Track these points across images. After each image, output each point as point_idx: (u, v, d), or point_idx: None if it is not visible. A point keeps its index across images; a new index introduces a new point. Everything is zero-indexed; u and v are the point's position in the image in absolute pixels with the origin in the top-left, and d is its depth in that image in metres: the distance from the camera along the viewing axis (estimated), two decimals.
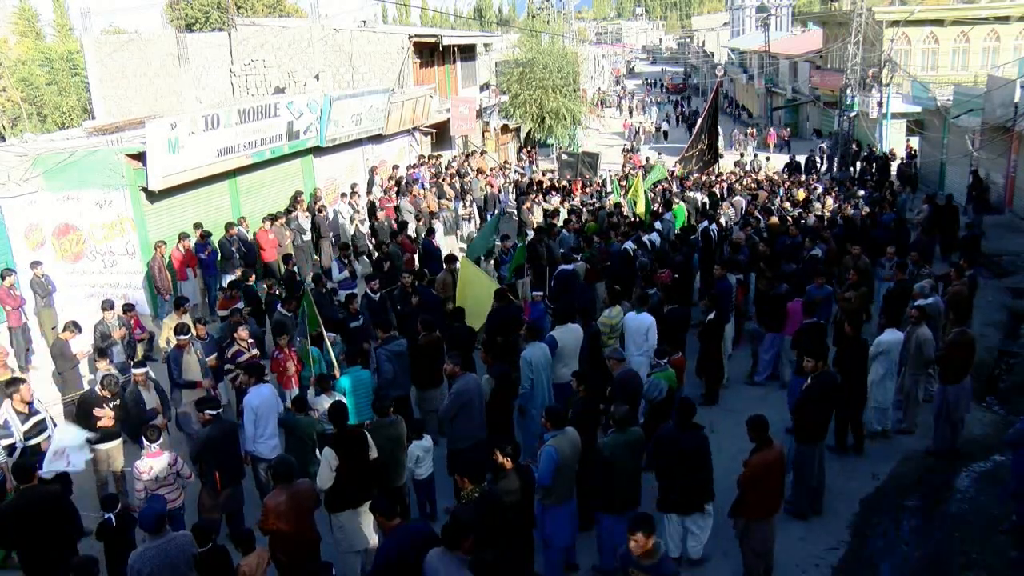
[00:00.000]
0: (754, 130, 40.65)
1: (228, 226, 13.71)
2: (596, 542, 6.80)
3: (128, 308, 10.71)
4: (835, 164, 28.35)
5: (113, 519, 6.28)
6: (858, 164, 27.63)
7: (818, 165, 29.46)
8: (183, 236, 13.20)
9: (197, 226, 13.51)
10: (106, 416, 7.63)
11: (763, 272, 11.11)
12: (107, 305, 10.26)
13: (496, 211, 18.90)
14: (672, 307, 9.59)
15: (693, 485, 6.51)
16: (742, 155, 31.85)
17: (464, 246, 16.01)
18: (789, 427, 8.44)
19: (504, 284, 11.11)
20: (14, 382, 7.38)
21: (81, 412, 7.70)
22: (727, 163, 29.06)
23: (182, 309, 10.12)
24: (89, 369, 9.71)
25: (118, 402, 7.78)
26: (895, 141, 28.88)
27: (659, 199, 18.84)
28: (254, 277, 12.27)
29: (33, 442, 7.22)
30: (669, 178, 22.68)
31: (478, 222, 18.39)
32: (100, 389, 7.71)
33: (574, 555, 6.89)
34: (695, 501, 6.60)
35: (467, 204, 18.48)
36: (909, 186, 22.43)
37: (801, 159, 29.04)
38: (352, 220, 16.08)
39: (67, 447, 6.85)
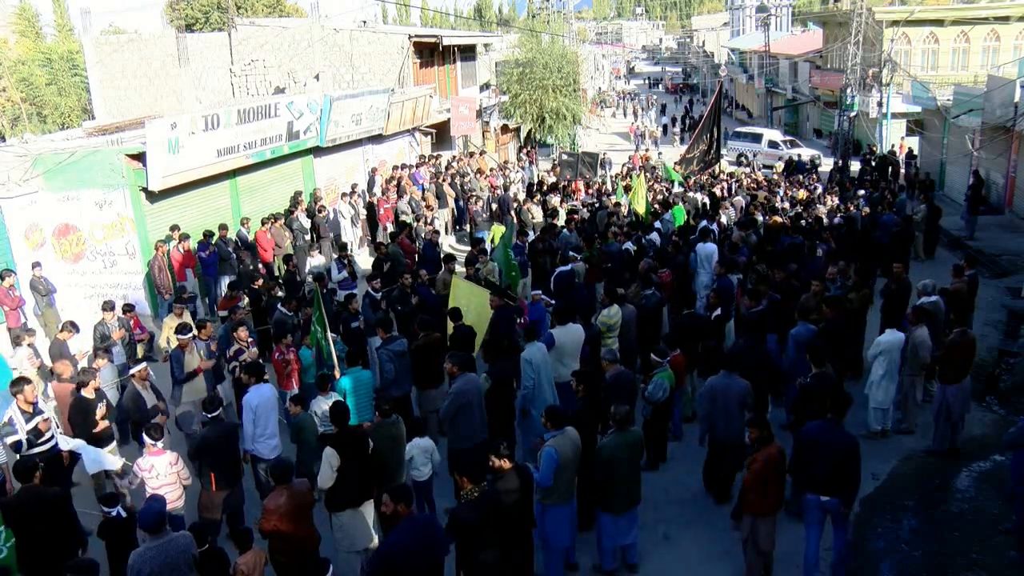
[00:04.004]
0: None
1: (222, 227, 13.69)
2: (596, 542, 6.80)
3: (128, 308, 10.70)
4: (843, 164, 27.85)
5: (123, 512, 6.28)
6: (856, 164, 27.52)
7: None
8: (177, 231, 13.08)
9: (207, 234, 13.43)
10: (101, 414, 7.66)
11: (761, 274, 11.07)
12: (108, 306, 10.24)
13: (509, 215, 18.33)
14: (689, 313, 9.65)
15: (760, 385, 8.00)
16: (742, 155, 31.81)
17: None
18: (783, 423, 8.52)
19: (505, 283, 11.10)
20: (19, 382, 7.42)
21: (77, 415, 7.69)
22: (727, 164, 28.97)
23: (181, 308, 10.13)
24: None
25: (104, 401, 7.81)
26: (895, 141, 28.87)
27: (658, 199, 18.79)
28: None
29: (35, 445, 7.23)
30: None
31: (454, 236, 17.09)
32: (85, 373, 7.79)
33: (574, 555, 6.90)
34: (762, 399, 8.04)
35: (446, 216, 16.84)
36: (922, 192, 21.77)
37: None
38: (352, 220, 16.07)
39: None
